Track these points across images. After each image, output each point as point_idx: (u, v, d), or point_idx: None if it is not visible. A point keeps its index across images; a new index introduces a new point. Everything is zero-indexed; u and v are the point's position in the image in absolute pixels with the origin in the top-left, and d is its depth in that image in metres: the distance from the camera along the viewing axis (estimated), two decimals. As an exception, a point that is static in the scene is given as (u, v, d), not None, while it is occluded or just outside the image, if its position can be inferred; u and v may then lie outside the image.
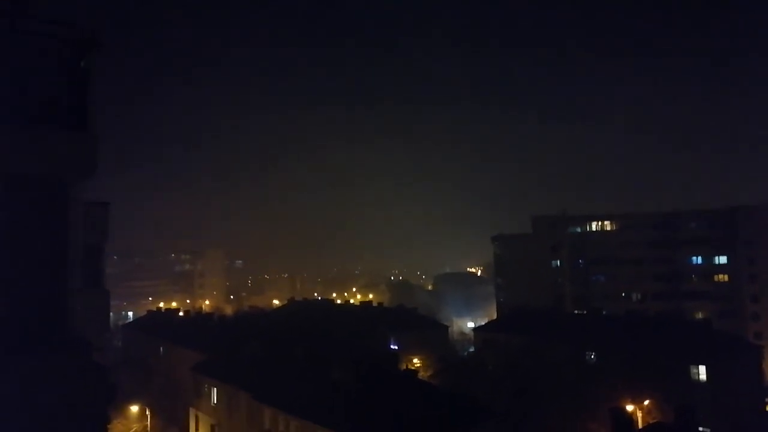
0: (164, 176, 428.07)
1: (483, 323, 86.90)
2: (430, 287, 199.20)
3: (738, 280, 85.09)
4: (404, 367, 48.92)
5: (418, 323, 72.48)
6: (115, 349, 76.90)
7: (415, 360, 58.83)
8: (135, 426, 50.62)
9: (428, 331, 69.57)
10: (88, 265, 12.91)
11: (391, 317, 74.39)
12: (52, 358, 6.53)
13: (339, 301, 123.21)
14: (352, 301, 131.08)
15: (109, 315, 17.23)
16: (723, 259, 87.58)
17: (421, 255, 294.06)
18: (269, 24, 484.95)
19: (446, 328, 78.77)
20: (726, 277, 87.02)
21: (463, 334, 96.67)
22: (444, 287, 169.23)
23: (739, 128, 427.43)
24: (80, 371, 6.62)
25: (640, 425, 38.79)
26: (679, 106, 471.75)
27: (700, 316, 78.45)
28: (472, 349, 71.73)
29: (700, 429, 28.15)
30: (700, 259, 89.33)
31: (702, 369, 46.77)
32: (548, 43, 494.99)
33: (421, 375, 48.15)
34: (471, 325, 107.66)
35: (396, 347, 62.70)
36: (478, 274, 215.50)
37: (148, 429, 51.47)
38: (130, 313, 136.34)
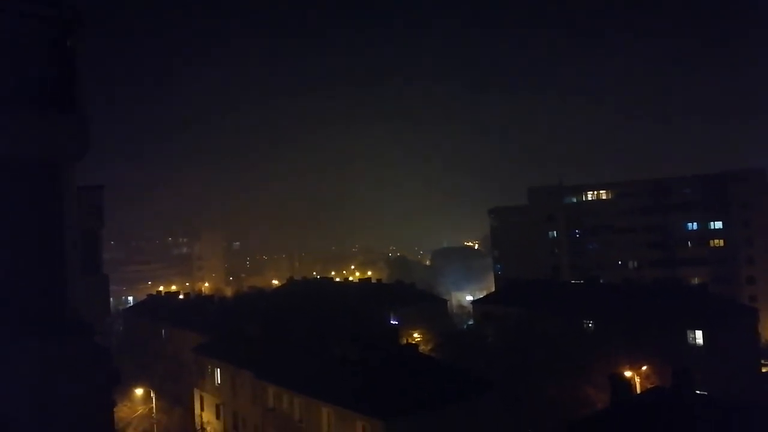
0: (160, 159, 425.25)
1: (481, 296, 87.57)
2: (428, 262, 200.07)
3: (733, 244, 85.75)
4: (404, 341, 49.37)
5: (416, 298, 72.98)
6: (117, 333, 77.26)
7: (415, 334, 59.39)
8: (140, 408, 51.12)
9: (427, 305, 70.10)
10: (85, 250, 12.86)
11: (390, 293, 74.87)
12: (54, 343, 6.53)
13: (338, 279, 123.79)
14: (351, 278, 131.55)
15: (109, 300, 17.24)
16: (718, 224, 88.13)
17: (418, 231, 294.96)
18: (266, 7, 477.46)
19: (445, 302, 79.35)
20: (721, 242, 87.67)
21: (461, 307, 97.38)
22: (442, 262, 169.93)
23: (731, 96, 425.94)
24: (83, 355, 6.63)
25: (638, 390, 39.42)
26: (671, 76, 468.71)
27: (696, 281, 79.26)
28: (471, 322, 72.39)
29: (698, 392, 28.60)
30: (695, 225, 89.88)
31: (698, 333, 47.37)
32: (540, 17, 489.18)
33: (422, 349, 48.62)
34: (469, 298, 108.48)
35: (396, 322, 63.23)
36: (476, 247, 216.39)
37: (154, 411, 52.01)
38: (130, 298, 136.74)
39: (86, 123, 6.94)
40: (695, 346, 47.04)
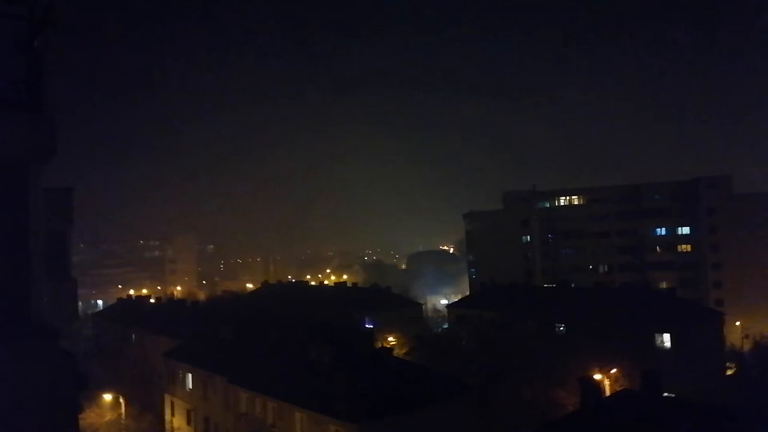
0: (135, 162, 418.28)
1: (456, 300, 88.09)
2: (403, 266, 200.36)
3: (700, 249, 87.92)
4: (379, 345, 49.37)
5: (392, 302, 73.03)
6: (85, 338, 75.56)
7: (390, 338, 59.42)
8: (109, 414, 49.98)
9: (402, 309, 70.19)
10: (53, 253, 12.62)
11: (365, 297, 74.80)
12: (18, 346, 6.41)
13: (313, 283, 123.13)
14: (326, 282, 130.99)
15: (77, 303, 16.91)
16: (686, 230, 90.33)
17: (394, 235, 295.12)
18: (247, 9, 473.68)
19: (420, 305, 79.56)
20: (689, 247, 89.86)
21: (437, 311, 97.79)
22: (417, 266, 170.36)
23: (703, 103, 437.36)
24: (47, 359, 6.52)
25: (608, 392, 40.07)
26: (644, 82, 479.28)
27: (664, 285, 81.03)
28: (446, 326, 72.75)
29: (666, 394, 29.23)
30: (663, 230, 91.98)
31: (666, 337, 48.39)
32: (513, 22, 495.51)
33: (397, 352, 48.70)
34: (444, 302, 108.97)
35: (371, 326, 63.17)
36: (451, 251, 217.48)
37: (123, 417, 50.94)
38: (100, 302, 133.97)
39: (54, 124, 6.83)
40: (663, 348, 48.05)
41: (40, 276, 7.61)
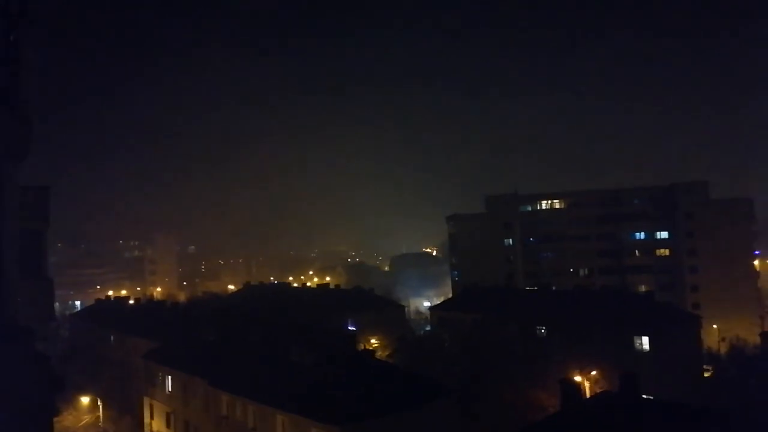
0: (112, 161, 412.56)
1: (439, 302, 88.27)
2: (386, 268, 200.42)
3: (678, 253, 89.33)
4: (362, 347, 49.29)
5: (375, 304, 73.00)
6: (62, 339, 74.33)
7: (373, 340, 59.38)
8: (86, 417, 49.27)
9: (385, 311, 70.21)
10: (28, 253, 12.36)
11: (348, 299, 74.65)
12: (-11, 349, 6.24)
13: (295, 285, 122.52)
14: (308, 284, 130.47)
15: (53, 304, 16.62)
16: (664, 234, 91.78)
17: (377, 237, 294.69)
18: (234, 11, 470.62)
19: (403, 308, 79.65)
20: (667, 251, 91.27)
21: (419, 313, 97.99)
22: (400, 268, 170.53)
23: (684, 110, 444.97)
24: (21, 361, 6.36)
25: (587, 394, 40.45)
26: (627, 88, 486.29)
27: (643, 288, 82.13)
28: (428, 328, 72.88)
29: (644, 396, 29.59)
30: (642, 235, 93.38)
31: (645, 339, 49.00)
32: (498, 23, 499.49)
33: (379, 354, 48.65)
34: (427, 304, 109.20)
35: (353, 328, 63.03)
36: (434, 254, 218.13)
37: (101, 420, 50.17)
38: (78, 302, 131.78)
39: (29, 121, 6.67)
40: (642, 351, 48.64)
41: (14, 276, 7.44)
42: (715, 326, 69.59)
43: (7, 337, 6.52)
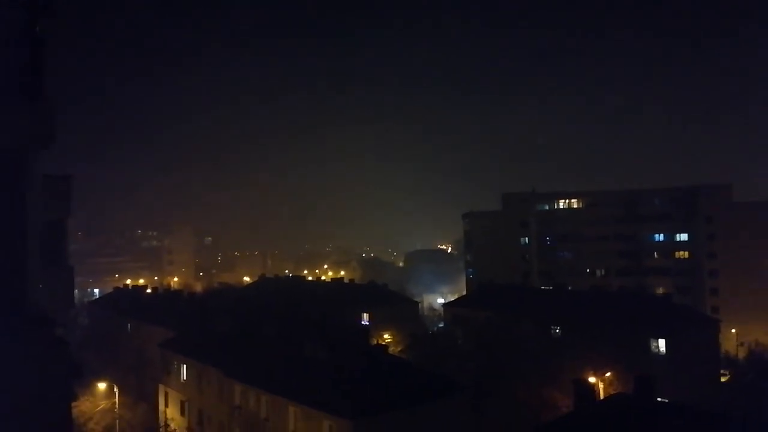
0: (133, 151, 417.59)
1: (452, 299, 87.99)
2: (401, 264, 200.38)
3: (698, 256, 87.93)
4: (375, 342, 49.40)
5: (388, 299, 73.07)
6: (81, 326, 75.59)
7: (386, 335, 59.47)
8: (103, 403, 50.01)
9: (399, 306, 70.25)
10: (49, 241, 12.57)
11: (362, 293, 74.82)
12: (12, 334, 6.37)
13: (310, 278, 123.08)
14: (323, 277, 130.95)
15: (73, 291, 16.89)
16: (684, 237, 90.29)
17: (392, 233, 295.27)
18: (246, 8, 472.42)
19: (416, 303, 79.61)
20: (686, 254, 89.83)
21: (433, 309, 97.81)
22: (415, 264, 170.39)
23: (707, 110, 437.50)
24: (42, 347, 6.48)
25: (601, 396, 40.13)
26: (648, 87, 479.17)
27: (660, 291, 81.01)
28: (441, 325, 72.76)
29: (659, 399, 29.26)
30: (662, 236, 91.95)
31: (662, 342, 48.38)
32: (513, 22, 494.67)
33: (392, 350, 48.69)
34: (441, 300, 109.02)
35: (367, 323, 63.22)
36: (449, 250, 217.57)
37: (117, 406, 50.96)
38: (96, 290, 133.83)
39: (53, 111, 6.76)
40: (658, 354, 48.05)
41: (36, 264, 7.57)
42: (733, 330, 68.51)
43: (29, 323, 6.64)
